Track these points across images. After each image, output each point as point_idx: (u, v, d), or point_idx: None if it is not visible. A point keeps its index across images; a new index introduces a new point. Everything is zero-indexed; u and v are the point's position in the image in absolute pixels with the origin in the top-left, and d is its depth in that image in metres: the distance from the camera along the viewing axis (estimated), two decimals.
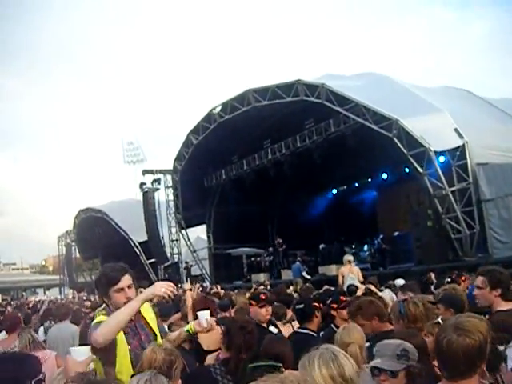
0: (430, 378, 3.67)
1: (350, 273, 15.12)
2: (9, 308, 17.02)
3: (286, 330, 7.30)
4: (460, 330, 3.12)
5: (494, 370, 3.71)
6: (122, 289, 4.42)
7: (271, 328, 6.97)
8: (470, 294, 6.82)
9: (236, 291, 14.78)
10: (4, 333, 8.70)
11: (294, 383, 1.50)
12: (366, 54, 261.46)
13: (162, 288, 4.01)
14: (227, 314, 8.53)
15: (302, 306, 6.92)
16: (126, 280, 4.50)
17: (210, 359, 5.41)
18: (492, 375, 3.65)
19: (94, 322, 4.20)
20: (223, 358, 4.80)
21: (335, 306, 6.94)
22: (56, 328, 9.57)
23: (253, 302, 6.95)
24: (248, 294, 11.06)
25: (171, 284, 4.02)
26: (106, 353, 4.14)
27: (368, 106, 20.44)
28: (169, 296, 4.13)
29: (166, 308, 10.18)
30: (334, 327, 6.50)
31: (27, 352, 5.82)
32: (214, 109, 27.88)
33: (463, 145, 19.13)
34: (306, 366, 3.35)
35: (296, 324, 7.37)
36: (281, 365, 3.91)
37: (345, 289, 12.29)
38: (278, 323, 7.55)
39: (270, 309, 6.97)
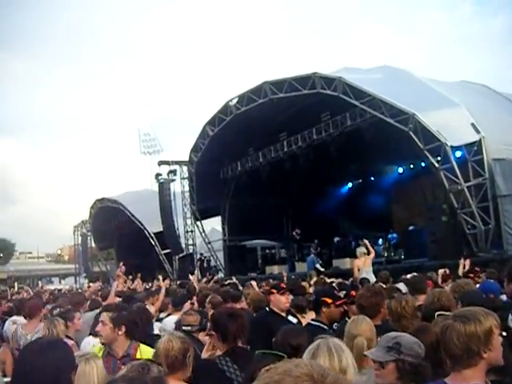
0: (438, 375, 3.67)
1: (364, 266, 15.12)
2: (24, 294, 17.20)
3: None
4: (458, 317, 3.20)
5: None
6: None
7: (290, 317, 7.06)
8: (484, 288, 6.83)
9: (247, 283, 14.89)
10: (17, 317, 8.85)
11: (307, 367, 1.58)
12: (384, 47, 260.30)
13: None
14: (238, 305, 8.60)
15: (311, 298, 6.98)
16: None
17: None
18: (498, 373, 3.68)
19: None
20: (224, 350, 4.83)
21: (329, 300, 6.88)
22: None
23: (274, 291, 7.15)
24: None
25: None
26: None
27: (385, 99, 20.38)
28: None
29: (179, 298, 10.28)
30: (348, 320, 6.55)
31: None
32: (231, 101, 27.91)
33: (480, 140, 19.01)
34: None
35: (309, 315, 7.45)
36: (285, 356, 3.95)
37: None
38: None
39: (289, 297, 7.10)
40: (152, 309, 9.45)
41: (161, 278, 14.11)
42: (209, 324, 5.16)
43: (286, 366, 1.58)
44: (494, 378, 3.62)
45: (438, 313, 5.12)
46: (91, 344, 6.74)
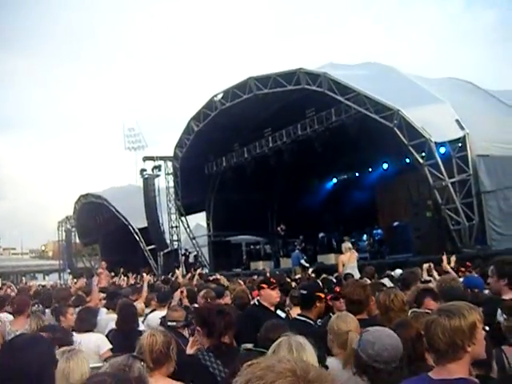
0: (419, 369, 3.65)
1: (349, 261, 15.13)
2: (8, 290, 17.10)
3: None
4: (442, 311, 3.23)
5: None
6: None
7: (278, 312, 7.05)
8: (468, 283, 6.86)
9: (234, 279, 14.94)
10: (6, 314, 8.78)
11: (291, 362, 1.56)
12: (371, 43, 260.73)
13: None
14: (221, 301, 8.60)
15: (305, 292, 6.96)
16: None
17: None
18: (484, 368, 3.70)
19: None
20: (208, 346, 4.83)
21: (323, 295, 6.90)
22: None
23: (264, 285, 7.14)
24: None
25: None
26: None
27: (369, 95, 20.42)
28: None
29: (163, 294, 10.25)
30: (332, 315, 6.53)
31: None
32: (216, 96, 27.86)
33: (464, 136, 19.12)
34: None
35: (293, 311, 7.42)
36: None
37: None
38: None
39: (279, 292, 7.10)
40: (140, 305, 9.41)
41: (145, 275, 14.07)
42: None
43: (268, 362, 1.58)
44: (478, 372, 3.63)
45: (411, 310, 5.13)
46: (75, 340, 6.71)
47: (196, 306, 8.50)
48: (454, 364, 3.16)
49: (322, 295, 6.69)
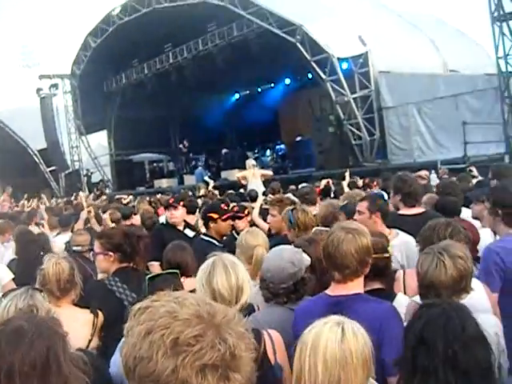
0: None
1: (253, 177, 15.12)
2: None
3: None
4: (347, 229, 3.26)
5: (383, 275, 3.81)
6: None
7: (187, 231, 6.98)
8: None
9: (138, 198, 14.76)
10: None
11: (194, 305, 1.40)
12: None
13: None
14: (128, 222, 8.47)
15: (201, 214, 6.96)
16: None
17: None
18: (382, 280, 3.76)
19: None
20: (116, 269, 4.72)
21: (215, 216, 6.64)
22: None
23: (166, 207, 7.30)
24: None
25: None
26: None
27: (272, 10, 20.19)
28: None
29: (67, 217, 9.96)
30: (236, 234, 6.54)
31: None
32: (113, 10, 26.88)
33: (366, 52, 19.29)
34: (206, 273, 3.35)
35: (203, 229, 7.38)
36: (178, 271, 3.89)
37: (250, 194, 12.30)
38: None
39: (176, 212, 6.99)
40: (47, 231, 9.03)
41: (44, 196, 13.55)
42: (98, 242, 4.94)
43: (168, 306, 1.37)
44: (380, 286, 3.70)
45: (314, 228, 5.17)
46: None
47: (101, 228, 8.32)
48: (355, 281, 3.24)
49: (215, 216, 6.61)
